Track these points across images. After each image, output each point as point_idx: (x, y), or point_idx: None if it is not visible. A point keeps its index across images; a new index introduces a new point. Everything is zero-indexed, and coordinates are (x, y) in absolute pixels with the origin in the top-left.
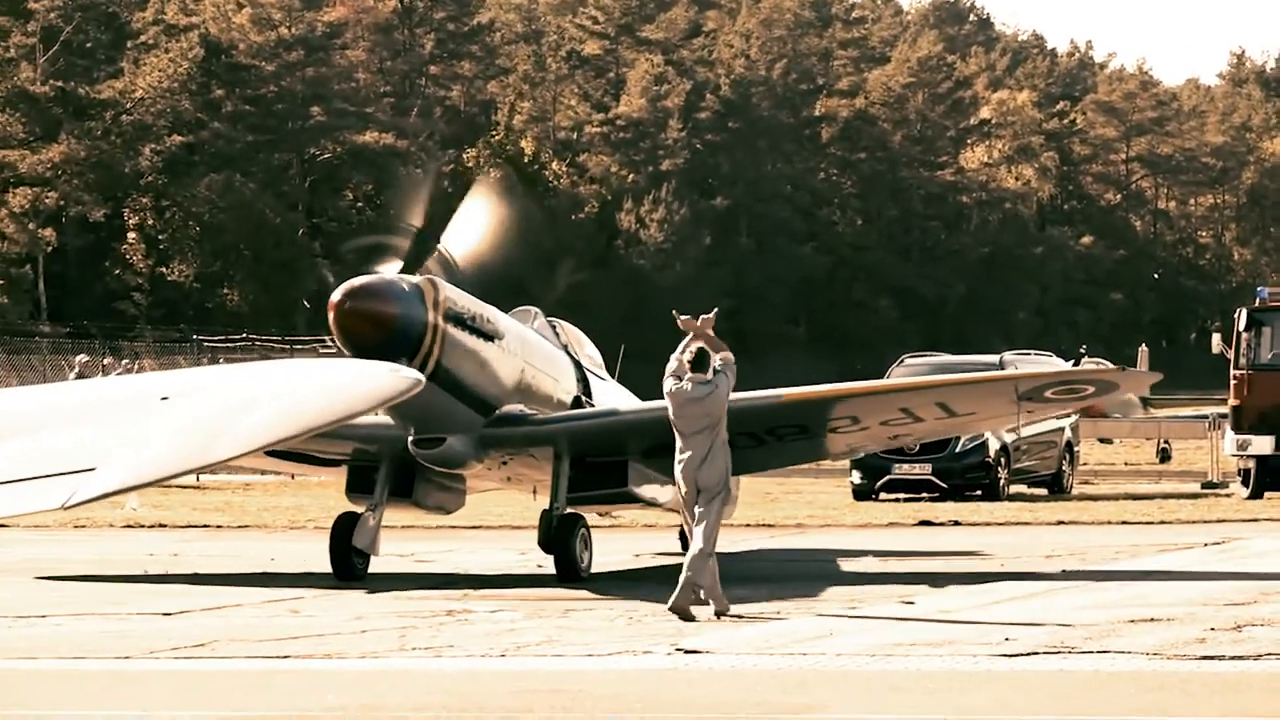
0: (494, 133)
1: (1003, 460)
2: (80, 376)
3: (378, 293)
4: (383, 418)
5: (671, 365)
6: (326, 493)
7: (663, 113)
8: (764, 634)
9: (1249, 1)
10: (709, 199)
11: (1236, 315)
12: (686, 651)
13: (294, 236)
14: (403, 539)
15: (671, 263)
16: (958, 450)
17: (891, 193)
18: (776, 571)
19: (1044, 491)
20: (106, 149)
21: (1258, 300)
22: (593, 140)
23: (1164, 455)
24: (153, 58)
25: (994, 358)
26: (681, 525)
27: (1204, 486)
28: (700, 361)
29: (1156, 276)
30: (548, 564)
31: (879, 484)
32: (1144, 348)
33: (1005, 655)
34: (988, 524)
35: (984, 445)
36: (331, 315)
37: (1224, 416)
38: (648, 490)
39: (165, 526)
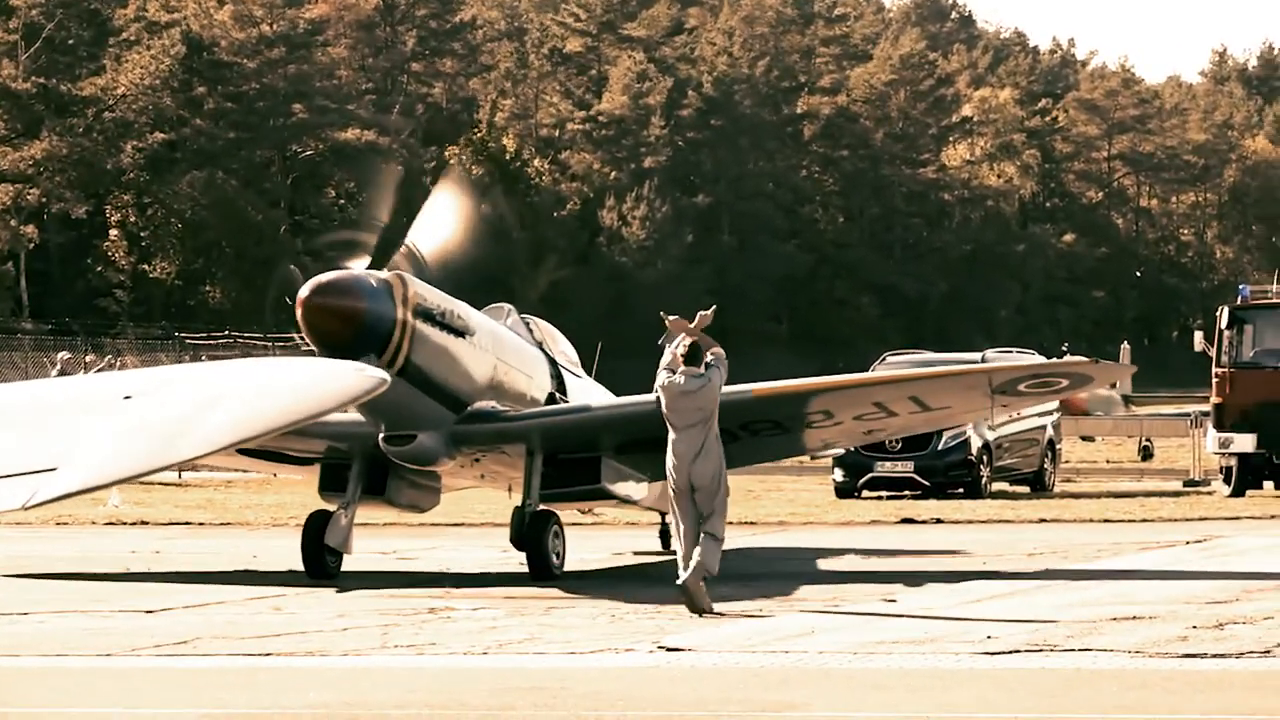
0: (476, 130)
1: (985, 458)
2: (63, 373)
3: (345, 288)
4: (354, 415)
5: (665, 359)
6: (309, 491)
7: (645, 110)
8: (746, 632)
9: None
10: (691, 196)
11: (1218, 313)
12: (669, 649)
13: (276, 234)
14: (385, 536)
15: (653, 260)
16: (940, 448)
17: (873, 190)
18: (759, 569)
19: (1026, 489)
20: (88, 146)
21: (1240, 298)
22: (575, 138)
23: (1146, 453)
24: (134, 54)
25: (976, 355)
26: (661, 523)
27: (1186, 484)
28: (693, 355)
29: (1138, 274)
30: None
31: (861, 482)
32: (1126, 345)
33: (987, 653)
34: (970, 522)
35: (966, 443)
36: (299, 311)
37: (1206, 414)
38: (622, 487)
39: (147, 524)
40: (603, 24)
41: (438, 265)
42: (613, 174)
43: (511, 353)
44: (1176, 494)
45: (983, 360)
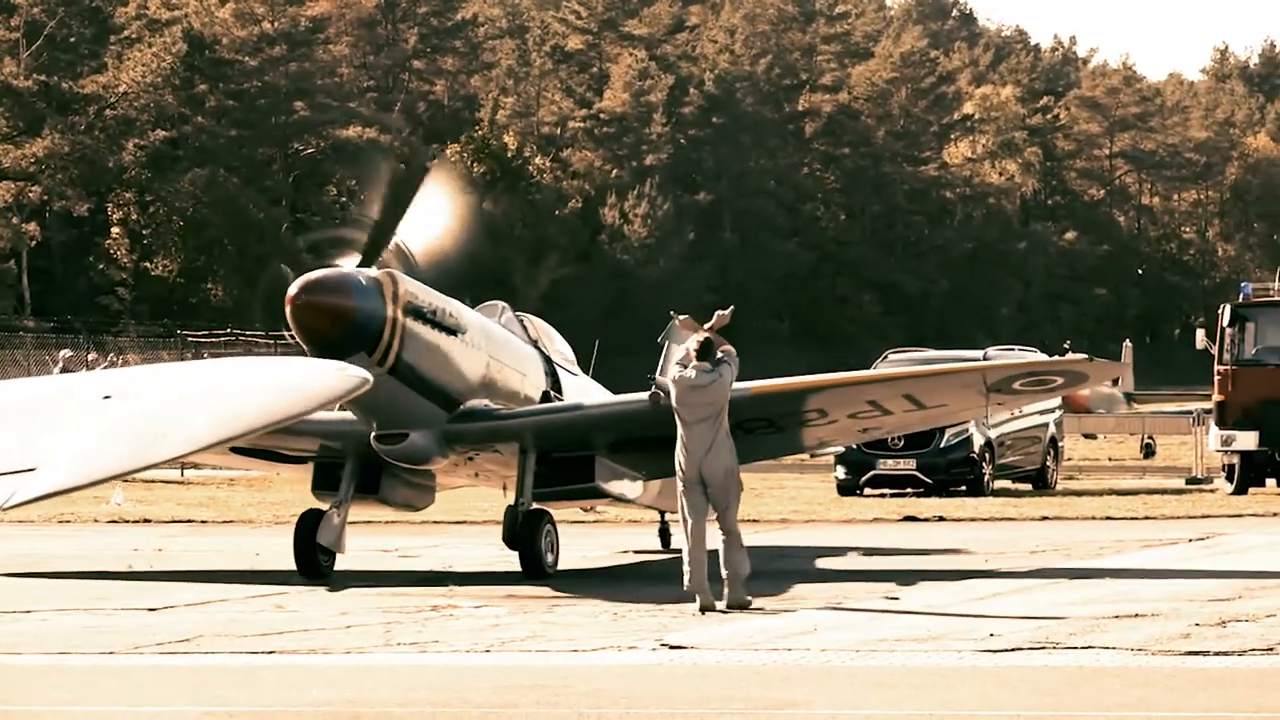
0: (477, 128)
1: (987, 455)
2: (65, 371)
3: (335, 286)
4: (346, 413)
5: (678, 354)
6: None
7: (646, 108)
8: (748, 629)
9: None
10: (692, 194)
11: (1220, 311)
12: (671, 647)
13: (277, 231)
14: (387, 534)
15: (655, 258)
16: (942, 445)
17: (875, 188)
18: (761, 567)
19: (1028, 487)
20: (90, 143)
21: (1242, 296)
22: (576, 135)
23: (1148, 451)
24: (136, 52)
25: (978, 353)
26: (660, 522)
27: (1188, 482)
28: (706, 350)
29: (1140, 272)
30: None
31: (864, 479)
32: (1128, 343)
33: (990, 651)
34: (972, 519)
35: (968, 440)
36: (288, 309)
37: (1208, 412)
38: (616, 486)
39: (149, 522)
40: (604, 22)
41: (429, 263)
42: (614, 172)
43: (505, 351)
44: (1179, 492)
45: (984, 358)
